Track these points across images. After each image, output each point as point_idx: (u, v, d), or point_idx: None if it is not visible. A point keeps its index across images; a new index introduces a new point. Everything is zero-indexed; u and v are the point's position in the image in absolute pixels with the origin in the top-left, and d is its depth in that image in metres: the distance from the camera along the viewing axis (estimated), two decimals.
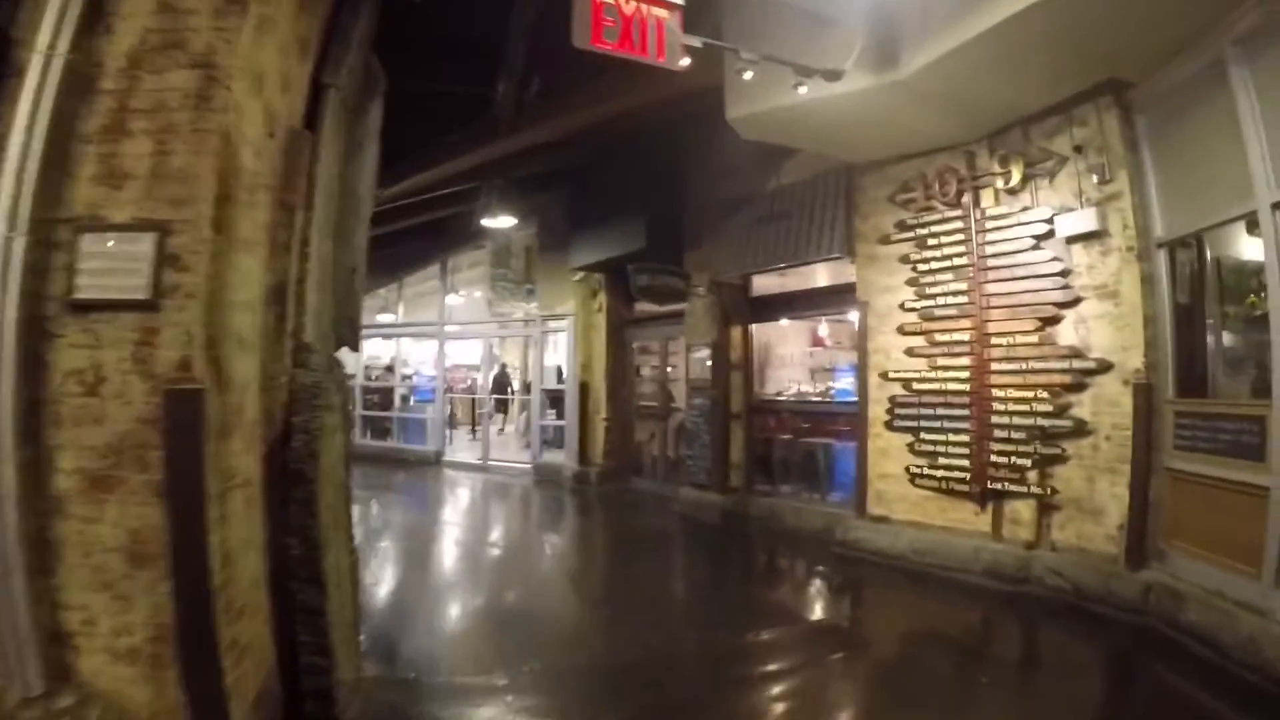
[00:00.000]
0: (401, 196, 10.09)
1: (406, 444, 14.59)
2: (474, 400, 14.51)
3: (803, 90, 5.08)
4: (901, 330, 6.79)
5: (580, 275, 11.87)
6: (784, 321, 9.78)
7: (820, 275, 8.61)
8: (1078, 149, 5.51)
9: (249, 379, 3.16)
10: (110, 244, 2.66)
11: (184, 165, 2.73)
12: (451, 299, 15.37)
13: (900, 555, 6.51)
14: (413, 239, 13.82)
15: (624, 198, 9.96)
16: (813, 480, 8.55)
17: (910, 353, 6.70)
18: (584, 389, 11.90)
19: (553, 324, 12.78)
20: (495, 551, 7.48)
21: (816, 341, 10.47)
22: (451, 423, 16.70)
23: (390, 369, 16.25)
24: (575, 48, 4.36)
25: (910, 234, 6.73)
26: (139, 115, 2.74)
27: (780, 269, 8.46)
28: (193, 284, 2.69)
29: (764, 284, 9.25)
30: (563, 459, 12.20)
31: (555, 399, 12.97)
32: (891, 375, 6.84)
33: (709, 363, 9.26)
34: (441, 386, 14.43)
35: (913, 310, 6.70)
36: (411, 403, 15.22)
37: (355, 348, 4.52)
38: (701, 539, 8.32)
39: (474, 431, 16.52)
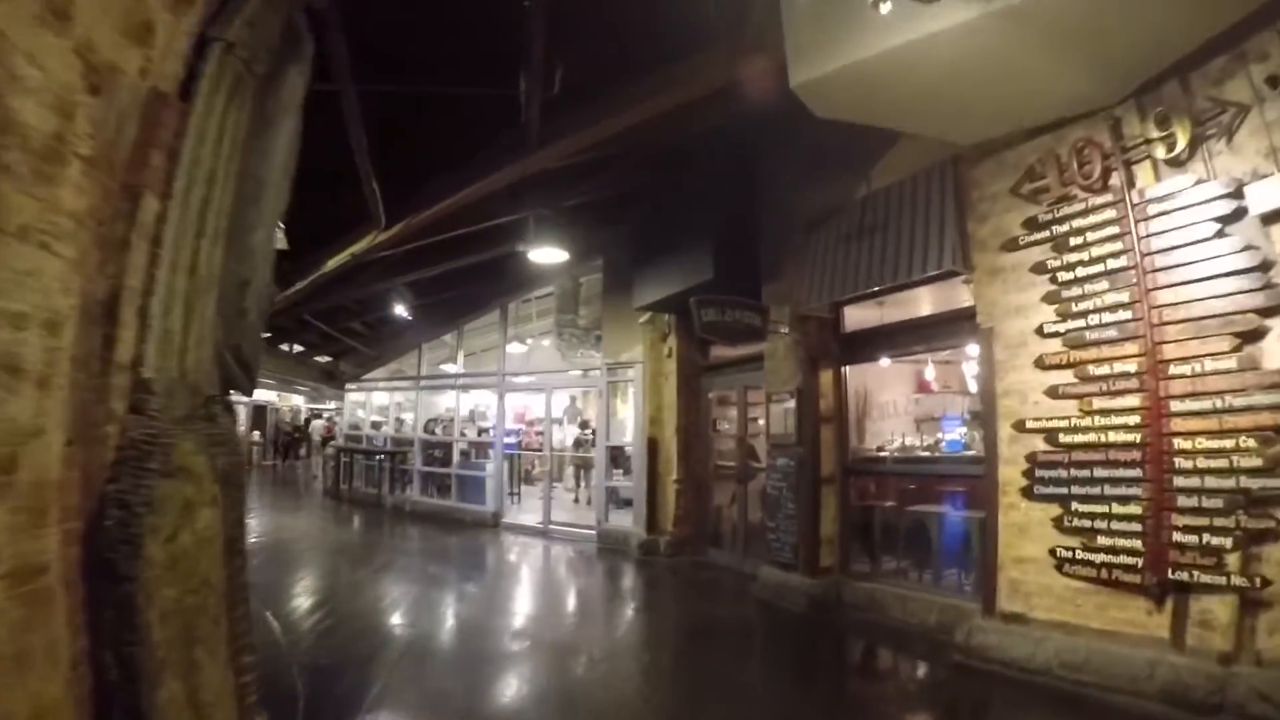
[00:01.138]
0: (442, 228, 9.31)
1: (465, 503, 13.62)
2: (550, 457, 13.38)
3: (885, 9, 3.76)
4: (1041, 364, 5.20)
5: (646, 316, 10.72)
6: (884, 362, 8.29)
7: (925, 302, 7.14)
8: (1272, 81, 3.99)
9: (35, 424, 2.19)
10: None
11: None
12: (514, 348, 14.56)
13: (1043, 669, 4.83)
14: (471, 281, 13.15)
15: (689, 223, 8.82)
16: (923, 559, 6.93)
17: (1055, 393, 5.09)
18: (653, 446, 10.64)
19: (620, 373, 11.63)
20: (522, 648, 6.16)
21: (922, 386, 8.92)
22: (526, 480, 15.78)
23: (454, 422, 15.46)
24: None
25: (1045, 234, 5.19)
26: None
27: (876, 295, 7.06)
28: None
29: (858, 317, 7.83)
30: (629, 525, 10.92)
31: (620, 457, 11.78)
32: (1030, 425, 5.22)
33: (794, 415, 7.86)
34: (500, 442, 13.46)
35: (1055, 336, 5.11)
36: (473, 459, 14.26)
37: (248, 390, 3.45)
38: (783, 637, 6.78)
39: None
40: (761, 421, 9.14)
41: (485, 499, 13.23)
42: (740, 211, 8.66)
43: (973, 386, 8.78)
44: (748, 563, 8.93)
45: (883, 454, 7.88)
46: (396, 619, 6.94)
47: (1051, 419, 5.09)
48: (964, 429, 7.98)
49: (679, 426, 10.35)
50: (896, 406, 8.60)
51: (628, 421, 12.21)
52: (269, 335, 15.55)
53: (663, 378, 10.72)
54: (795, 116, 5.59)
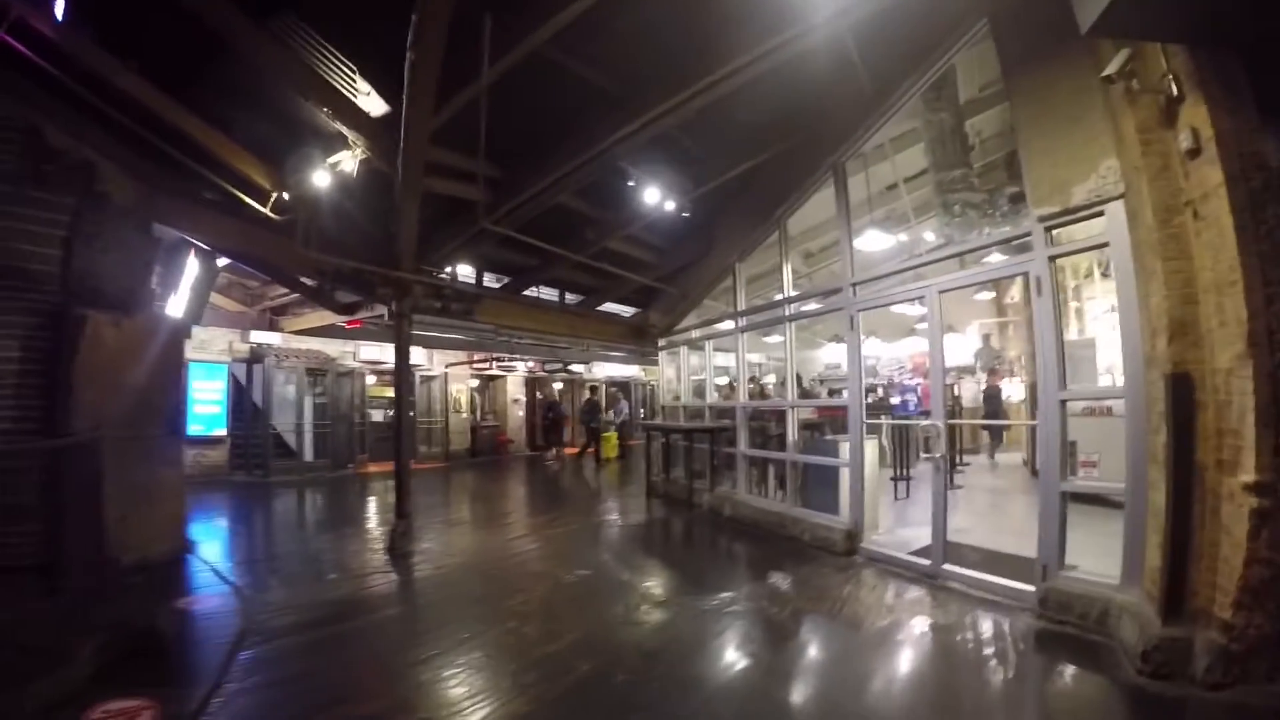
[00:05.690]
0: None
1: (805, 508, 8.29)
2: (942, 427, 6.87)
3: None
4: None
5: (1119, 62, 4.41)
6: None
7: None
8: None
9: None
10: None
11: None
12: (865, 242, 8.91)
13: None
14: (770, 134, 7.94)
15: None
16: None
17: None
18: (1180, 392, 4.28)
19: (1072, 235, 5.43)
20: None
21: None
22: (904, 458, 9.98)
23: (783, 382, 10.27)
24: None
25: None
26: None
27: None
28: None
29: None
30: (1112, 583, 4.80)
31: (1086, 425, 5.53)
32: None
33: None
34: (859, 404, 7.74)
35: None
36: (825, 436, 8.80)
37: None
38: None
39: (951, 477, 9.51)
40: None
41: (837, 503, 7.81)
42: None
43: None
44: None
45: None
46: None
47: None
48: None
49: (1251, 335, 3.92)
50: None
51: (1100, 341, 5.92)
52: (504, 282, 11.80)
53: (1182, 215, 4.33)
54: None
